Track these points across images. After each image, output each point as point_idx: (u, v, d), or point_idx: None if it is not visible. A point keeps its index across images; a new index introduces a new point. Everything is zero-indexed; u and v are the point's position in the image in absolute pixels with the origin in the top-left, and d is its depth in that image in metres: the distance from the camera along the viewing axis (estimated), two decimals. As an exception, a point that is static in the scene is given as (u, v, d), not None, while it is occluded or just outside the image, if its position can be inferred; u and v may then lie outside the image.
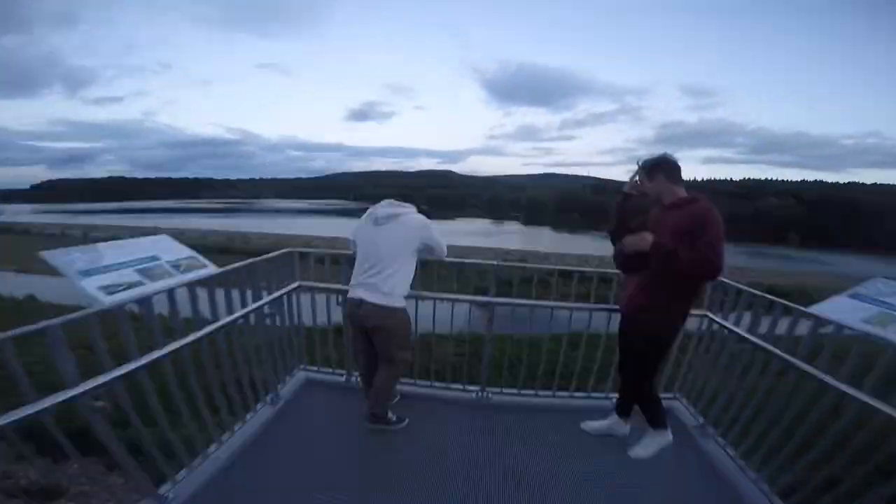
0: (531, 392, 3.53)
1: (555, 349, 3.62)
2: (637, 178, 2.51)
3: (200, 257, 2.35)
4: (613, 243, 2.68)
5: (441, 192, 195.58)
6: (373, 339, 2.65)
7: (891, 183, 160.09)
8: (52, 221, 62.49)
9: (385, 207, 2.63)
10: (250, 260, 2.76)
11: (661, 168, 2.40)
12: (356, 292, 2.57)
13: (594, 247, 53.25)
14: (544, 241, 62.53)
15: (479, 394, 3.48)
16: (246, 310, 2.59)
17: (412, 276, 2.64)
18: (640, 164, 2.47)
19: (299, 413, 3.04)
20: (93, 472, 3.06)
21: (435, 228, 2.65)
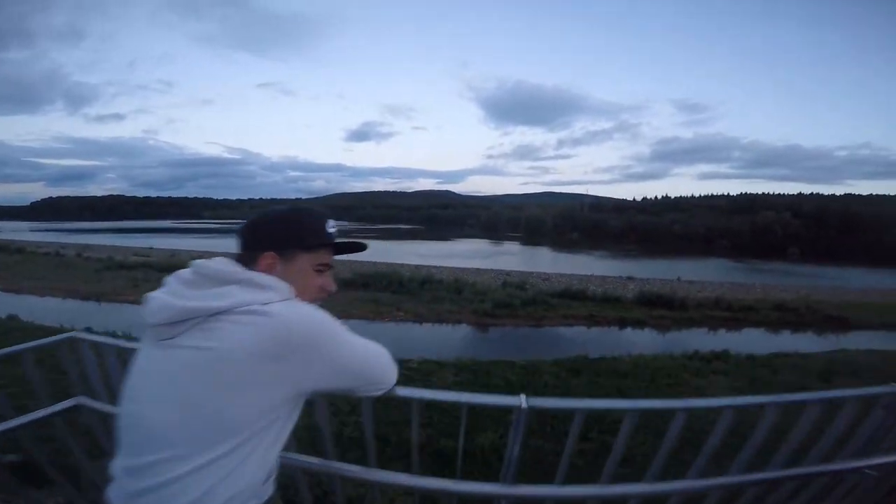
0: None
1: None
2: None
3: None
4: None
5: (440, 213, 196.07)
6: None
7: (886, 193, 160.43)
8: (48, 240, 62.07)
9: (183, 288, 0.99)
10: None
11: None
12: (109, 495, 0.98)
13: (594, 266, 52.89)
14: (544, 261, 62.02)
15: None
16: None
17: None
18: None
19: None
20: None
21: (348, 340, 1.18)
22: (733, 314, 25.10)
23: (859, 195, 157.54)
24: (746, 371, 13.48)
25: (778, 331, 23.38)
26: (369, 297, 24.68)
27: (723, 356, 14.79)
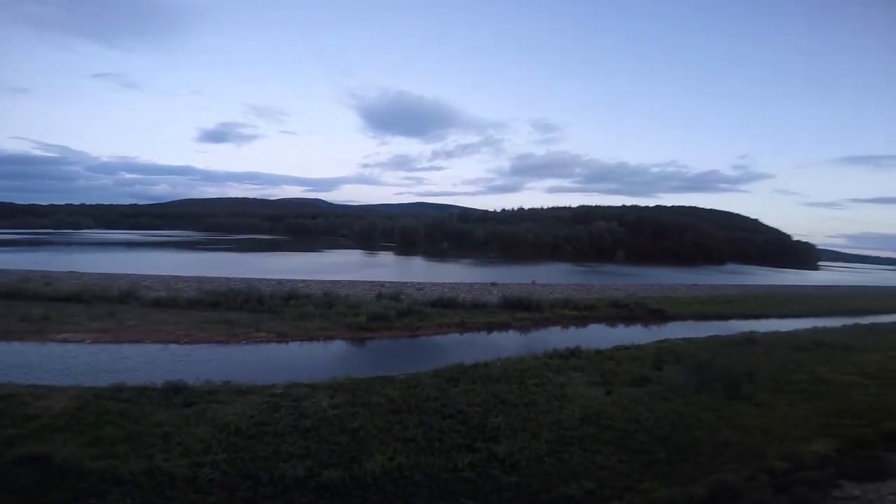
0: None
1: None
2: None
3: None
4: None
5: (308, 223, 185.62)
6: None
7: (686, 205, 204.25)
8: None
9: None
10: None
11: None
12: None
13: (463, 274, 55.63)
14: (418, 270, 63.08)
15: None
16: None
17: None
18: None
19: None
20: None
21: None
22: (580, 312, 28.67)
23: (665, 206, 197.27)
24: (597, 365, 15.34)
25: (615, 325, 27.40)
26: (221, 318, 21.78)
27: (576, 353, 16.63)
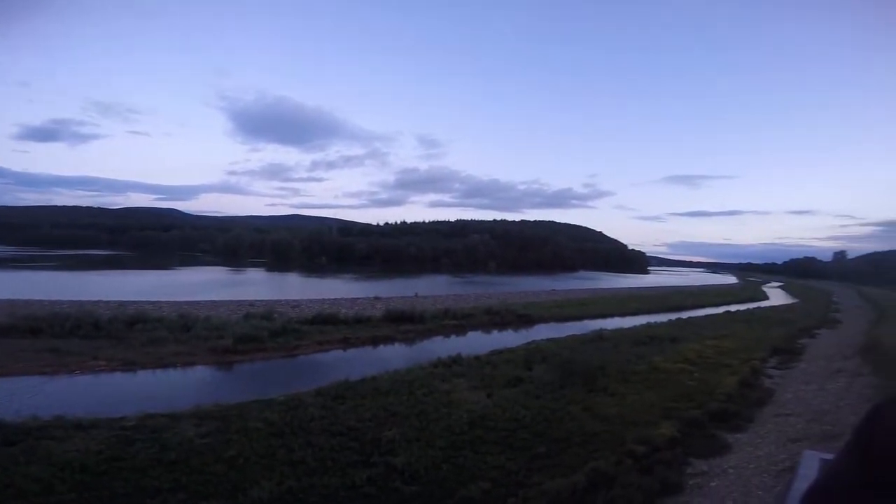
0: None
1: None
2: None
3: None
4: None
5: (159, 235, 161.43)
6: None
7: (545, 219, 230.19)
8: None
9: None
10: None
11: None
12: None
13: (344, 289, 53.88)
14: (293, 287, 59.24)
15: None
16: None
17: None
18: None
19: None
20: None
21: None
22: (459, 321, 29.81)
23: (529, 220, 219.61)
24: (477, 370, 15.99)
25: (490, 331, 29.09)
26: (45, 346, 17.72)
27: (458, 360, 17.18)
